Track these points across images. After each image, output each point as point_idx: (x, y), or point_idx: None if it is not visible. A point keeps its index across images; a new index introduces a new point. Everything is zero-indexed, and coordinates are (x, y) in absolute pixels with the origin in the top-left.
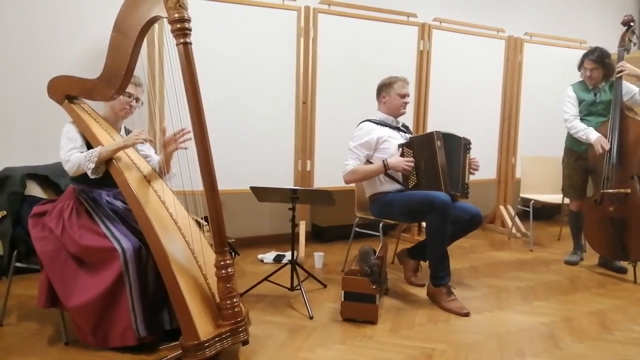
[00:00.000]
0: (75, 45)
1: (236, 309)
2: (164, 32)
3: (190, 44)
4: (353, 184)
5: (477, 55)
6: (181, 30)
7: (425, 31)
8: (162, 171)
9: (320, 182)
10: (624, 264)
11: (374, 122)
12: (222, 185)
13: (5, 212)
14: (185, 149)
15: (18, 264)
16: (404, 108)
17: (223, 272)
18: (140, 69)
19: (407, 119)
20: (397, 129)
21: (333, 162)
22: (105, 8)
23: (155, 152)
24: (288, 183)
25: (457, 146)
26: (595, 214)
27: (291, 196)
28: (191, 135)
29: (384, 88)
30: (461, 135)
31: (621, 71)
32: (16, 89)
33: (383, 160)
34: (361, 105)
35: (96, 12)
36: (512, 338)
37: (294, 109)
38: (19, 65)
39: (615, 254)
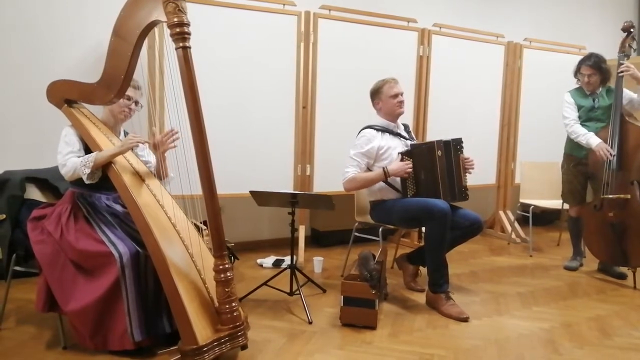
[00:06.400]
0: (76, 48)
1: (235, 314)
2: (164, 37)
3: (190, 47)
4: None
5: (476, 60)
6: (180, 34)
7: (425, 36)
8: (160, 176)
9: (320, 186)
10: (623, 269)
11: (375, 129)
12: (222, 189)
13: (4, 216)
14: (175, 147)
15: (17, 268)
16: (401, 107)
17: (222, 276)
18: (140, 73)
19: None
20: (399, 135)
21: (333, 166)
22: (106, 12)
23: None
24: (287, 187)
25: (452, 152)
26: (594, 220)
27: (291, 200)
28: (183, 135)
29: (375, 95)
30: (449, 138)
31: (623, 71)
32: (16, 92)
33: (383, 168)
34: (361, 109)
35: (96, 15)
36: (512, 343)
37: (294, 113)
38: (18, 67)
39: (615, 259)
